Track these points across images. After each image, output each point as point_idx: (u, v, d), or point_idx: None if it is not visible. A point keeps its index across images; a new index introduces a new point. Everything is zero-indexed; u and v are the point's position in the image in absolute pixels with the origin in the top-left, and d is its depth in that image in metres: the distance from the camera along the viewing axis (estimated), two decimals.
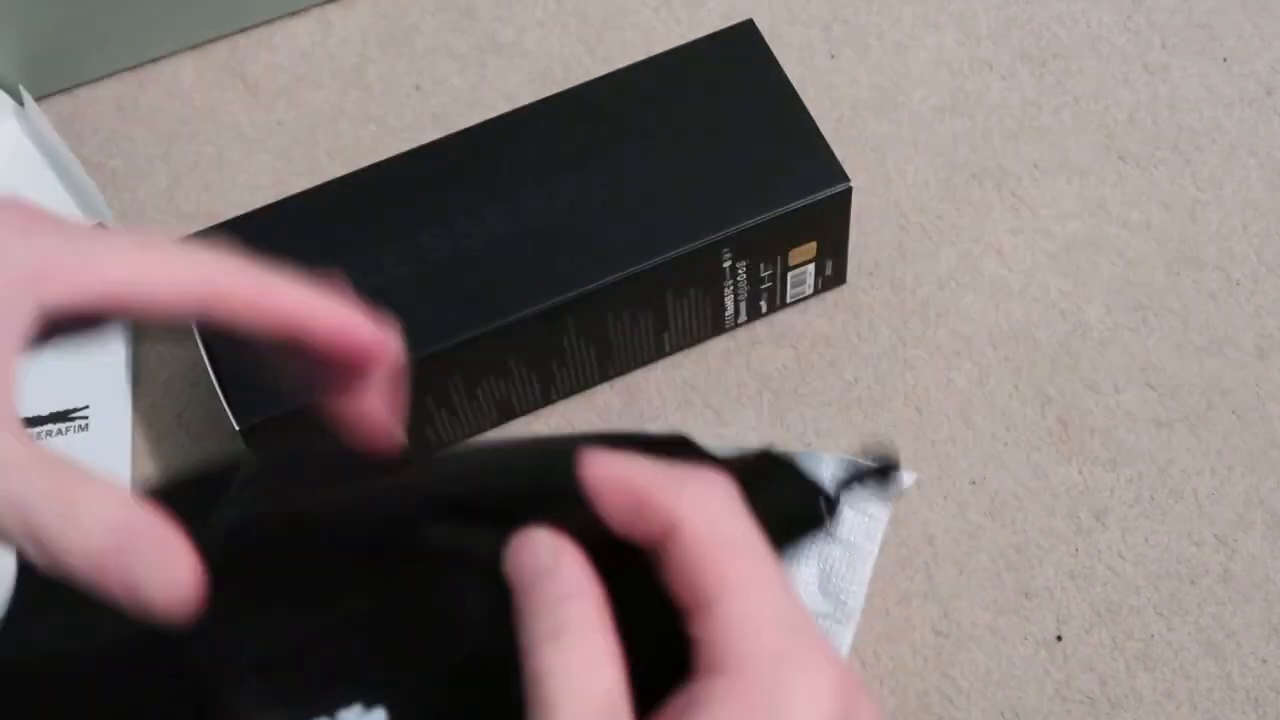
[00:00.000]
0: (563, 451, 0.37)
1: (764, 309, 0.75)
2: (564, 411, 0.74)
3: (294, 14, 0.86)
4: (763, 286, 0.73)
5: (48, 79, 0.84)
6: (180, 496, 0.38)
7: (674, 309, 0.72)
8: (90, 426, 0.75)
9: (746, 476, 0.38)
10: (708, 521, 0.36)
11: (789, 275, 0.73)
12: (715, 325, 0.74)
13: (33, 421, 0.75)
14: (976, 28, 0.84)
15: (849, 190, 0.70)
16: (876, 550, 0.68)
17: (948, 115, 0.81)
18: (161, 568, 0.35)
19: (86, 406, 0.75)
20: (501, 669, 0.35)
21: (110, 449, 0.74)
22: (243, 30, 0.86)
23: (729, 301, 0.73)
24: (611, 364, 0.73)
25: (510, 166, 0.71)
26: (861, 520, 0.68)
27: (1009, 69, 0.82)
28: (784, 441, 0.72)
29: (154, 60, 0.85)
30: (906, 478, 0.71)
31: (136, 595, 0.35)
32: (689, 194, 0.70)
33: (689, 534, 0.36)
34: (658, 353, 0.74)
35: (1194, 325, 0.75)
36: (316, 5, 0.86)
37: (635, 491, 0.36)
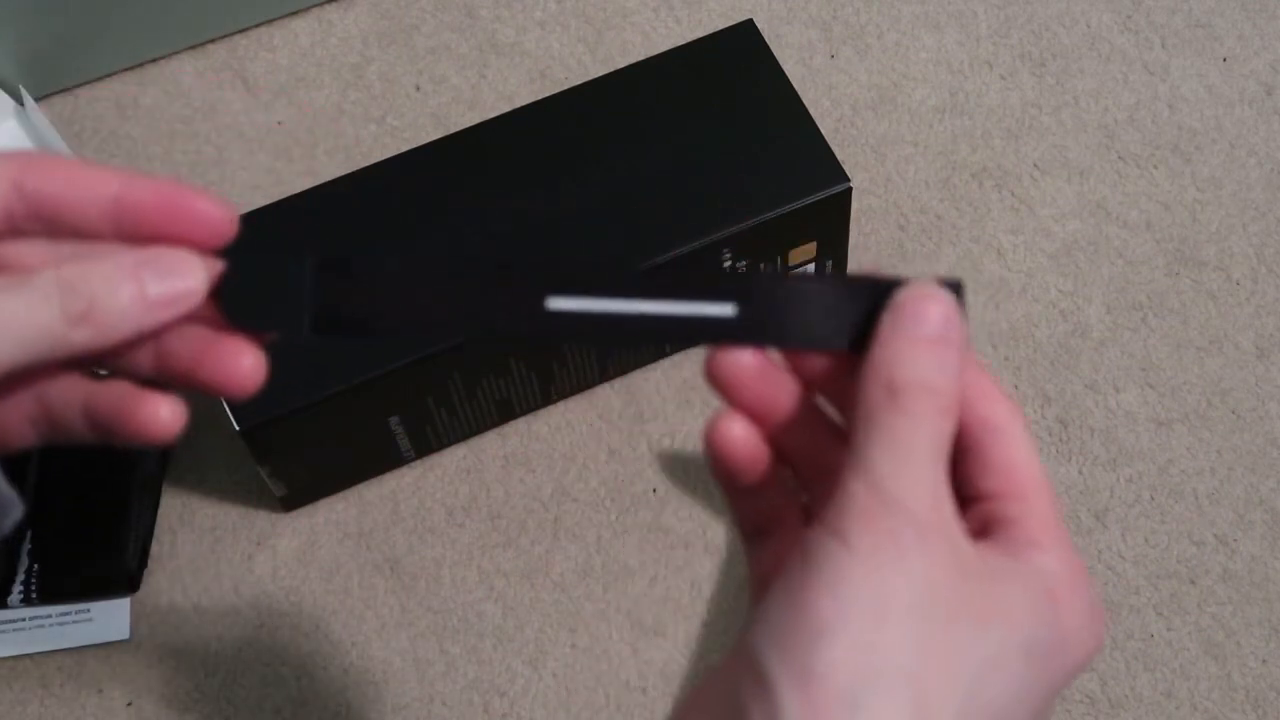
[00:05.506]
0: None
1: None
2: (564, 411, 0.74)
3: (294, 14, 0.86)
4: None
5: (48, 79, 0.84)
6: None
7: None
8: None
9: None
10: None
11: None
12: None
13: None
14: (976, 28, 0.84)
15: (849, 190, 0.70)
16: None
17: (948, 115, 0.81)
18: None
19: None
20: None
21: None
22: (243, 30, 0.86)
23: None
24: (611, 364, 0.73)
25: (510, 166, 0.71)
26: None
27: (1009, 69, 0.82)
28: None
29: (154, 60, 0.85)
30: None
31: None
32: (689, 194, 0.69)
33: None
34: (658, 353, 0.74)
35: (1194, 325, 0.75)
36: (316, 5, 0.86)
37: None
